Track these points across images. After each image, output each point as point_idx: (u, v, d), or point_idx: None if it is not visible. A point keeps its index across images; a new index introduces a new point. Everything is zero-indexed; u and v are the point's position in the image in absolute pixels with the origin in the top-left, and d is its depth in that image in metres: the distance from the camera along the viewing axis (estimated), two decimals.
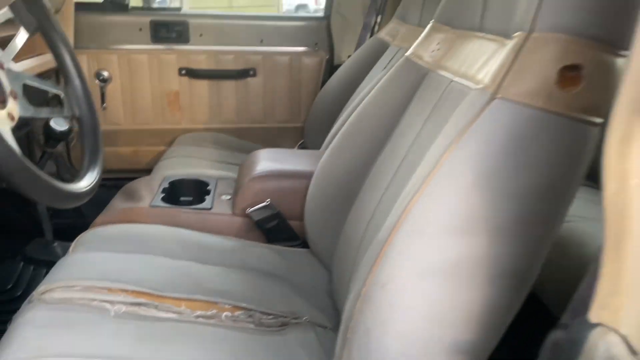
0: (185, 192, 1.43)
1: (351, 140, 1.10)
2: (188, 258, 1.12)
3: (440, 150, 0.65)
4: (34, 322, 0.88)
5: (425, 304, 0.61)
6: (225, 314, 1.00)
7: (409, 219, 0.65)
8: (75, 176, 0.84)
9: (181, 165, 1.64)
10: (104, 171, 2.12)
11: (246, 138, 2.05)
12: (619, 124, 0.32)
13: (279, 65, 2.06)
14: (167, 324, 0.95)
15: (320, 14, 2.11)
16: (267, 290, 1.09)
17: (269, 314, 1.02)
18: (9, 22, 0.87)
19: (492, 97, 0.62)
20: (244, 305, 1.02)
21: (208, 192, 1.39)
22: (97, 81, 2.02)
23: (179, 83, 2.07)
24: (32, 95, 0.86)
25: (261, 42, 2.05)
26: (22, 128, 0.79)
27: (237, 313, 1.01)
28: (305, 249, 1.22)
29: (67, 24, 1.88)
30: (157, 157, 1.98)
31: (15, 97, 0.81)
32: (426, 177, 0.65)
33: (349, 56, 1.95)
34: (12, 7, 0.86)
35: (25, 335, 0.85)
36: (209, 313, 1.00)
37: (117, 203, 1.35)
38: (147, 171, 2.09)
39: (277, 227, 1.22)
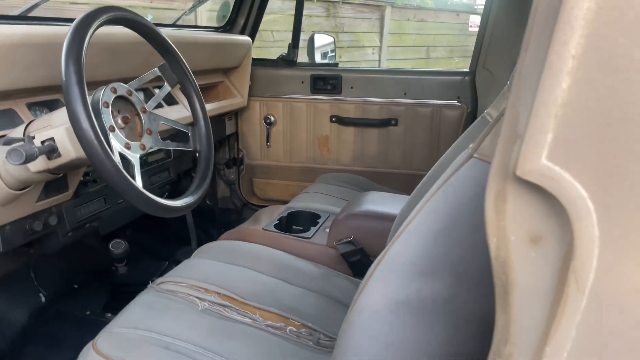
0: (299, 222, 1.64)
1: (423, 187, 1.18)
2: (278, 277, 1.31)
3: (425, 200, 0.73)
4: (142, 302, 1.16)
5: (391, 335, 0.68)
6: (290, 328, 1.16)
7: (388, 256, 0.74)
8: (183, 194, 1.11)
9: (310, 199, 1.87)
10: (261, 198, 2.48)
11: (382, 182, 2.20)
12: (494, 184, 0.34)
13: (420, 116, 2.18)
14: (238, 325, 1.14)
15: (465, 68, 2.17)
16: (333, 316, 1.22)
17: (329, 337, 1.15)
18: (156, 79, 1.20)
19: (469, 157, 0.69)
20: (309, 324, 1.17)
21: (317, 224, 1.57)
22: (264, 124, 2.39)
23: (330, 128, 2.33)
24: (164, 133, 1.17)
25: (405, 95, 2.20)
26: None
27: (302, 330, 1.16)
28: None
29: (244, 76, 2.30)
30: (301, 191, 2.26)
31: (150, 133, 1.12)
32: (409, 222, 0.74)
33: None
34: (160, 67, 1.19)
35: (134, 310, 1.13)
36: (277, 324, 1.16)
37: (245, 223, 1.62)
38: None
39: (360, 262, 1.34)
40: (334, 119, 2.31)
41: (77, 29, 0.91)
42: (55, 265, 1.65)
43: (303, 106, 2.34)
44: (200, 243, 1.88)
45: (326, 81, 2.29)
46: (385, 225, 1.34)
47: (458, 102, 2.15)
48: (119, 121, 1.07)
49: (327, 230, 1.51)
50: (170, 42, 1.18)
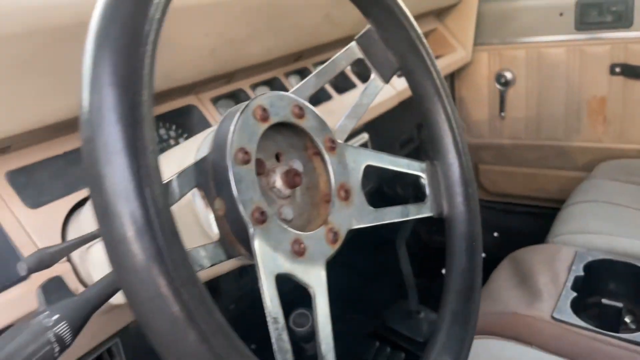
0: (613, 289, 0.89)
1: None
2: None
3: None
4: None
5: None
6: None
7: None
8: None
9: (601, 221, 1.09)
10: (490, 192, 1.74)
11: None
12: None
13: None
14: None
15: None
16: None
17: None
18: (357, 64, 0.55)
19: None
20: None
21: None
22: (496, 85, 1.62)
23: (609, 85, 1.46)
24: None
25: None
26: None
27: None
28: None
29: (468, 16, 1.55)
30: (565, 187, 1.47)
31: (346, 197, 0.48)
32: None
33: None
34: (361, 40, 0.53)
35: None
36: None
37: (503, 288, 0.93)
38: (548, 202, 1.61)
39: None
40: (617, 70, 1.44)
41: None
42: None
43: (562, 52, 1.50)
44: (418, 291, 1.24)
45: (605, 8, 1.41)
46: None
47: None
48: (279, 185, 0.45)
49: None
50: None
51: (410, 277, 1.17)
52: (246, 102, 0.43)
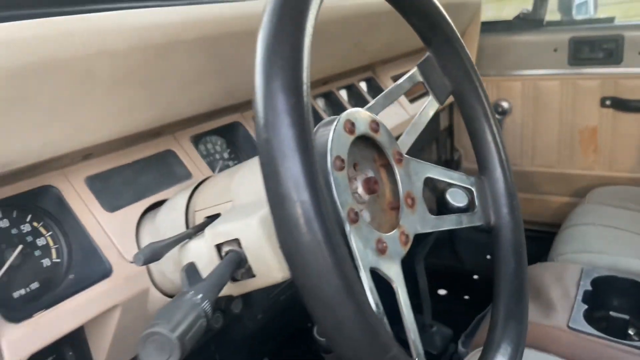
0: (618, 303, 0.96)
1: None
2: None
3: None
4: None
5: None
6: None
7: None
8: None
9: (600, 242, 1.17)
10: None
11: None
12: None
13: None
14: None
15: None
16: None
17: None
18: (417, 87, 0.62)
19: None
20: None
21: None
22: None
23: (599, 117, 1.57)
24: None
25: None
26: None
27: None
28: None
29: (470, 50, 1.64)
30: (558, 212, 1.56)
31: (412, 204, 0.54)
32: None
33: None
34: (422, 66, 0.60)
35: None
36: None
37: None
38: (542, 225, 1.70)
39: None
40: (607, 103, 1.55)
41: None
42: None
43: (556, 85, 1.61)
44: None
45: (596, 46, 1.53)
46: None
47: None
48: (361, 192, 0.51)
49: None
50: (447, 17, 0.59)
51: (426, 292, 1.23)
52: (336, 117, 0.49)
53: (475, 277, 1.82)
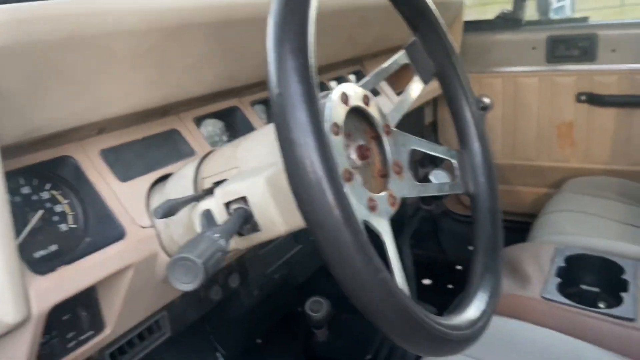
0: (589, 278, 1.04)
1: None
2: None
3: None
4: None
5: None
6: None
7: None
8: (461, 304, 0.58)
9: (574, 226, 1.25)
10: (468, 207, 1.91)
11: None
12: None
13: None
14: None
15: None
16: None
17: None
18: (403, 69, 0.68)
19: None
20: None
21: (624, 285, 0.96)
22: None
23: (575, 111, 1.66)
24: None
25: None
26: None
27: None
28: None
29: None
30: (537, 202, 1.64)
31: (399, 172, 0.60)
32: None
33: None
34: (410, 49, 0.66)
35: None
36: None
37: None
38: (523, 216, 1.77)
39: None
40: (582, 98, 1.63)
41: None
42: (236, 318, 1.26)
43: (534, 82, 1.69)
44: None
45: (571, 44, 1.61)
46: None
47: None
48: (354, 158, 0.57)
49: None
50: (433, 6, 0.65)
51: (411, 272, 1.29)
52: (331, 90, 0.55)
53: (459, 267, 1.89)
